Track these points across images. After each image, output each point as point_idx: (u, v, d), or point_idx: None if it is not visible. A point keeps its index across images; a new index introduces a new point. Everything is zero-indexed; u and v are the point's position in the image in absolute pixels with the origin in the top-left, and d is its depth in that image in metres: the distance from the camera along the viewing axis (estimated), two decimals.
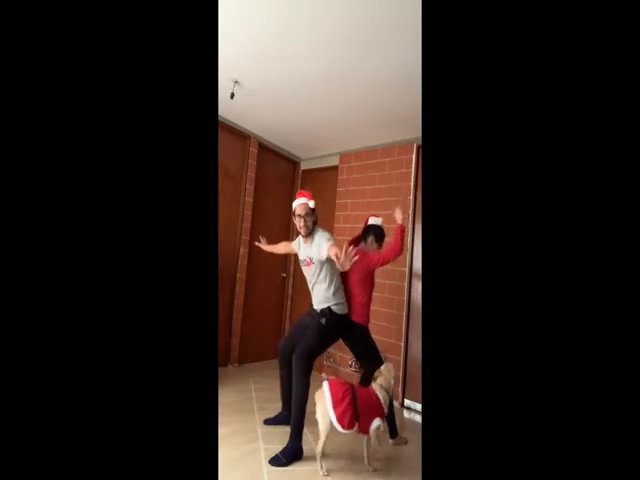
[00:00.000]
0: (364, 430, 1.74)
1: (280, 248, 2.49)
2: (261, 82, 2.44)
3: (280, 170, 3.87)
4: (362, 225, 2.36)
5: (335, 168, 3.66)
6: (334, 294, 2.06)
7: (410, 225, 2.97)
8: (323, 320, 2.02)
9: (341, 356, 3.24)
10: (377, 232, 2.25)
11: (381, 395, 1.83)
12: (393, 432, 2.13)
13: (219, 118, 3.05)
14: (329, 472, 1.73)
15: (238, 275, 3.31)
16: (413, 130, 2.90)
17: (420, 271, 2.90)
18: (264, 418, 2.24)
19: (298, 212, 2.05)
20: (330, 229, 3.43)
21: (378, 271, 3.02)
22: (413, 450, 2.06)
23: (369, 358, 2.17)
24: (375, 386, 1.87)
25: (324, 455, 1.75)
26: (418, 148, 3.04)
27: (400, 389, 2.87)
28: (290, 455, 1.81)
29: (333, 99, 2.56)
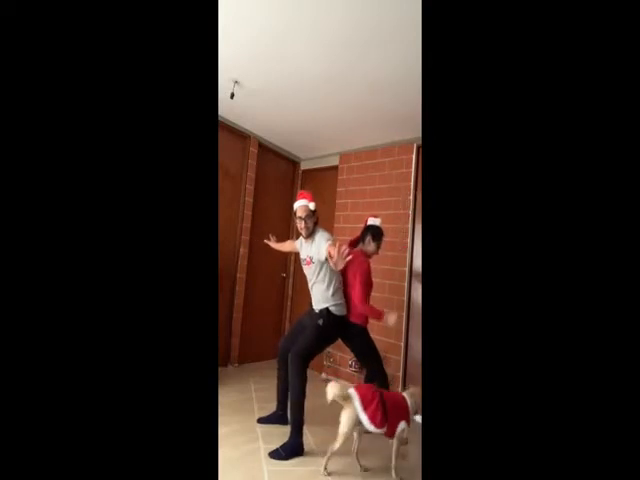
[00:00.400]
0: (392, 432, 1.73)
1: (286, 246, 2.52)
2: (261, 82, 2.44)
3: (280, 170, 3.87)
4: (362, 225, 2.36)
5: (335, 168, 3.66)
6: (333, 295, 2.06)
7: (410, 225, 2.98)
8: (320, 321, 2.02)
9: (341, 356, 3.24)
10: (375, 232, 2.26)
11: (410, 401, 1.81)
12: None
13: (219, 118, 3.05)
14: (330, 473, 1.73)
15: (238, 275, 3.31)
16: (413, 130, 2.90)
17: (420, 271, 2.90)
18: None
19: (299, 214, 2.06)
20: (330, 229, 3.43)
21: (378, 271, 3.04)
22: (413, 450, 2.06)
23: (369, 358, 2.17)
24: (406, 393, 1.86)
25: (323, 454, 1.75)
26: (418, 148, 3.04)
27: (400, 389, 2.86)
28: (290, 450, 1.82)
29: (333, 99, 2.56)
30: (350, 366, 3.13)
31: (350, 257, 1.66)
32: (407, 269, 2.94)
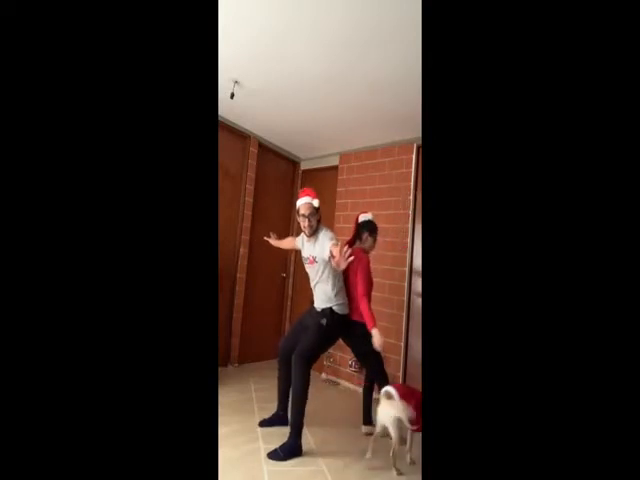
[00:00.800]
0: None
1: (286, 244, 2.51)
2: (261, 82, 2.43)
3: (280, 170, 3.87)
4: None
5: (335, 168, 3.66)
6: (336, 294, 2.06)
7: (410, 225, 2.97)
8: (324, 321, 2.01)
9: (341, 356, 3.24)
10: (370, 227, 2.26)
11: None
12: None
13: (219, 118, 3.05)
14: (332, 472, 1.74)
15: (238, 275, 3.31)
16: (413, 130, 2.89)
17: (420, 270, 2.90)
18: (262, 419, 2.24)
19: (302, 212, 2.02)
20: (330, 229, 3.43)
21: (378, 271, 3.04)
22: (413, 449, 2.05)
23: (369, 358, 2.17)
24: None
25: (323, 454, 1.75)
26: (418, 148, 3.04)
27: None
28: (289, 451, 1.82)
29: (333, 99, 2.56)
30: (350, 366, 3.13)
31: (352, 258, 1.66)
32: (407, 269, 2.94)
